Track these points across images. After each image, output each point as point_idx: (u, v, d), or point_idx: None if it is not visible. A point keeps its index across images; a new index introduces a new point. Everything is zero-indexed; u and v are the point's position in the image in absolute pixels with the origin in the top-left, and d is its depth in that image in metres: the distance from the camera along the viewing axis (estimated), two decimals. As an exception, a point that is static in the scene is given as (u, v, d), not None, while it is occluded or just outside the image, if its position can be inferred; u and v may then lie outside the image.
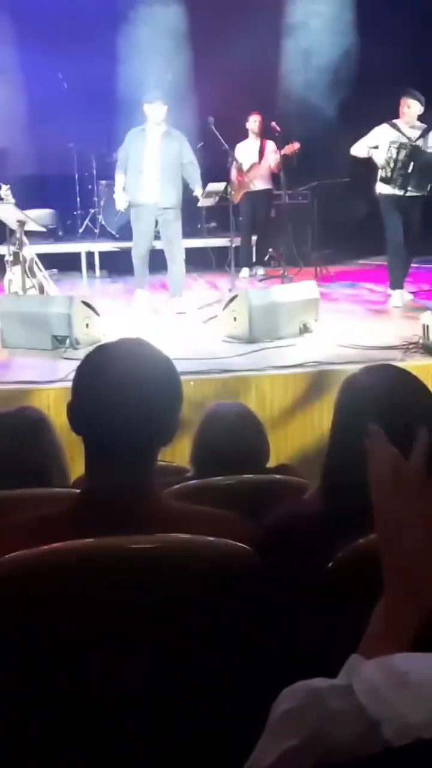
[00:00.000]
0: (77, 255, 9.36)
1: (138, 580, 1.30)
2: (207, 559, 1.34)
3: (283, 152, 8.12)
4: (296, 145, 8.06)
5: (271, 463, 2.61)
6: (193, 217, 9.96)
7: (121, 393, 1.40)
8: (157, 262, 7.33)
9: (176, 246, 7.07)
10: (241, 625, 1.32)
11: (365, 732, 0.72)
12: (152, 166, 6.85)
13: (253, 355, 5.38)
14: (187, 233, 9.57)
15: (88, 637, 1.26)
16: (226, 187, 7.55)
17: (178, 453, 3.51)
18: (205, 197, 7.31)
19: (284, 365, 5.09)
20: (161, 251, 7.19)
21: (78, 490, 1.62)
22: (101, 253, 9.30)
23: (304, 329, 5.87)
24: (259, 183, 8.55)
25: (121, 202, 7.06)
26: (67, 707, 1.26)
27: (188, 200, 7.18)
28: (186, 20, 9.60)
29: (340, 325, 6.13)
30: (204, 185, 7.16)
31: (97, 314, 5.72)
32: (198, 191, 7.10)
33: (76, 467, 2.70)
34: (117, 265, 9.02)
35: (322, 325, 6.00)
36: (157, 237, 7.33)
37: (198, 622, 1.31)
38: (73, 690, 1.25)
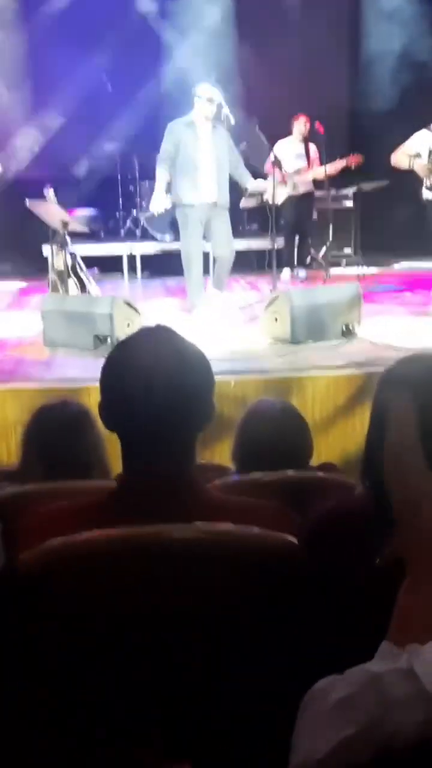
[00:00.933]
0: (119, 256, 9.38)
1: (178, 571, 1.27)
2: (251, 550, 1.30)
3: (343, 164, 8.03)
4: (359, 158, 7.97)
5: (314, 463, 2.57)
6: (233, 219, 9.95)
7: (148, 382, 1.38)
8: (174, 265, 7.10)
9: (229, 247, 6.71)
10: (285, 618, 1.29)
11: (429, 717, 0.68)
12: (207, 163, 6.43)
13: (295, 356, 5.33)
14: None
15: (127, 627, 1.23)
16: (270, 189, 7.41)
17: (218, 453, 3.48)
18: (248, 197, 7.17)
19: (326, 366, 5.03)
20: (177, 256, 6.80)
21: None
22: (143, 255, 9.31)
23: (347, 331, 5.81)
24: (302, 186, 8.49)
25: (160, 203, 6.52)
26: (104, 698, 1.23)
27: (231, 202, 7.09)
28: (232, 18, 9.58)
29: (383, 327, 6.05)
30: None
31: (138, 314, 5.72)
32: (250, 184, 6.76)
33: (117, 465, 2.70)
34: (158, 266, 9.03)
35: (365, 327, 5.94)
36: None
37: (241, 615, 1.28)
38: (110, 681, 1.22)
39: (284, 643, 1.29)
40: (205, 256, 6.85)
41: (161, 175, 6.50)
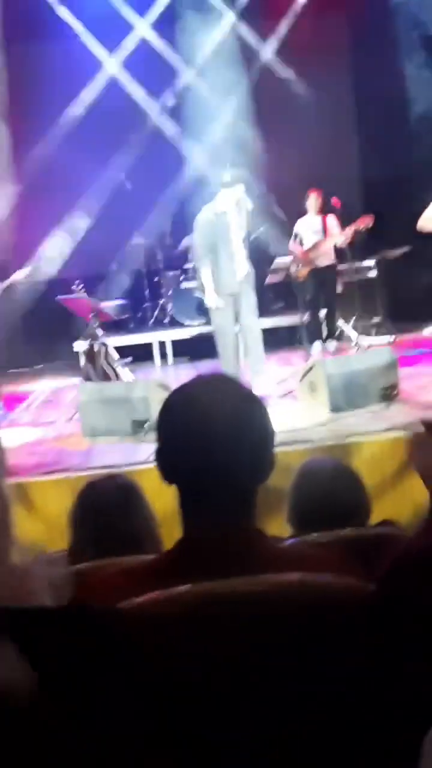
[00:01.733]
0: (149, 345, 9.46)
1: (251, 625, 1.19)
2: (327, 599, 1.22)
3: (355, 227, 8.08)
4: (369, 220, 8.03)
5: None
6: (259, 298, 10.04)
7: (208, 431, 1.33)
8: (205, 349, 7.10)
9: (256, 321, 6.80)
10: (366, 671, 1.19)
11: None
12: (236, 246, 6.54)
13: (336, 425, 5.26)
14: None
15: (200, 686, 1.15)
16: (291, 266, 7.50)
17: (270, 526, 3.39)
18: (272, 273, 7.26)
19: (370, 432, 4.95)
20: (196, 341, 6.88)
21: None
22: (173, 342, 9.39)
23: (386, 395, 5.73)
24: (324, 259, 8.53)
25: (214, 299, 6.58)
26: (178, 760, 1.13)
27: (257, 281, 7.16)
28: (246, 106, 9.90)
29: (421, 389, 5.98)
30: (270, 263, 7.11)
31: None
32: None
33: (168, 539, 2.63)
34: (189, 351, 9.08)
35: (403, 390, 5.86)
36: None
37: (318, 668, 1.19)
38: (183, 743, 1.13)
39: (366, 697, 1.19)
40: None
41: (205, 270, 6.58)
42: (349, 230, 8.13)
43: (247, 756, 1.15)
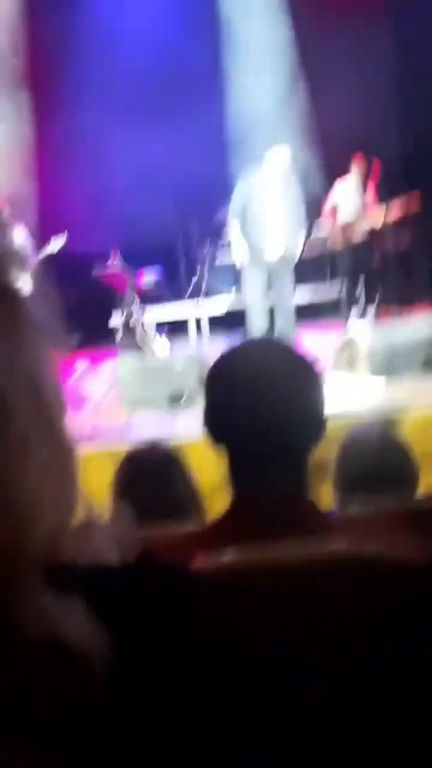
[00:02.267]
0: (185, 318, 9.41)
1: (297, 598, 1.14)
2: (381, 572, 1.17)
3: (405, 209, 7.90)
4: (417, 199, 7.85)
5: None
6: (298, 267, 9.93)
7: (258, 391, 1.30)
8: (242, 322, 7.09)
9: (291, 299, 6.76)
10: (422, 651, 1.14)
11: None
12: (273, 219, 6.47)
13: (376, 396, 5.18)
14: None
15: (255, 659, 1.11)
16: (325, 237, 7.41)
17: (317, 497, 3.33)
18: (309, 246, 7.15)
19: (410, 404, 4.86)
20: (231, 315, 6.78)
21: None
22: (210, 317, 9.32)
23: (428, 366, 5.64)
24: (360, 235, 8.35)
25: (240, 252, 6.55)
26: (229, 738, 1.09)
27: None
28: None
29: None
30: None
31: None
32: (296, 243, 6.77)
33: (212, 508, 2.59)
34: (224, 323, 9.02)
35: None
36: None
37: (373, 644, 1.14)
38: (235, 718, 1.09)
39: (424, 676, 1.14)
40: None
41: (235, 229, 6.56)
42: (392, 212, 7.94)
43: (301, 728, 1.11)
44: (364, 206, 8.32)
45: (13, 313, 0.63)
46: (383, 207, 8.01)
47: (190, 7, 9.48)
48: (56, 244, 7.27)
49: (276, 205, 6.47)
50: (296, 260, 6.68)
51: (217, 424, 1.34)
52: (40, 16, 9.55)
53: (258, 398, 1.29)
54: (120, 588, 0.71)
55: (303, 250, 7.11)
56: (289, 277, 6.64)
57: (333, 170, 8.35)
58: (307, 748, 1.11)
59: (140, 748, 0.66)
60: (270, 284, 6.66)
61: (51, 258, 7.33)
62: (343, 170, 8.34)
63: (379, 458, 2.20)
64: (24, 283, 0.72)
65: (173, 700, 0.70)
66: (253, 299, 6.67)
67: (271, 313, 6.84)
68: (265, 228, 6.45)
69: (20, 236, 6.95)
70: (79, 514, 0.76)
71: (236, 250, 6.60)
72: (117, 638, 0.65)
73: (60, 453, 0.65)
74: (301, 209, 6.66)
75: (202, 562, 1.13)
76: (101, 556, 0.73)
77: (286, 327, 6.77)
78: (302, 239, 6.72)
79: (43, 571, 0.63)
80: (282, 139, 6.63)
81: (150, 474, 2.17)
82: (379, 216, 8.15)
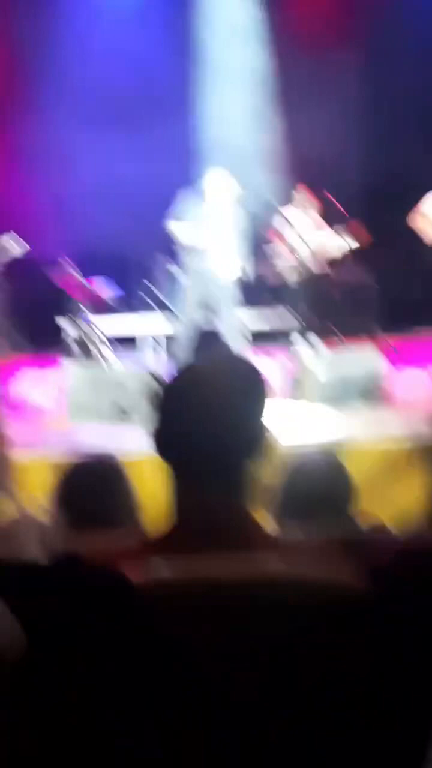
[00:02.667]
0: (139, 330, 9.39)
1: (232, 614, 1.16)
2: (316, 594, 1.19)
3: (344, 236, 7.98)
4: (360, 232, 7.96)
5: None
6: (248, 293, 9.98)
7: (200, 405, 1.33)
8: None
9: (234, 317, 6.87)
10: (361, 671, 1.16)
11: None
12: (219, 237, 6.64)
13: (320, 423, 5.24)
14: (250, 305, 9.63)
15: (185, 670, 1.12)
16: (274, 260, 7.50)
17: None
18: (261, 266, 7.21)
19: (353, 433, 4.93)
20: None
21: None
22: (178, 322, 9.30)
23: (371, 397, 5.72)
24: (313, 261, 8.42)
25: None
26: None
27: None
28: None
29: (406, 394, 5.97)
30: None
31: (161, 383, 5.66)
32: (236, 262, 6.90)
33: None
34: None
35: (389, 394, 5.86)
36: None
37: (310, 664, 1.16)
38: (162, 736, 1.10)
39: (368, 695, 1.16)
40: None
41: (176, 226, 6.70)
42: (337, 237, 8.03)
43: (236, 749, 1.12)
44: (317, 236, 8.42)
45: None
46: (336, 237, 8.11)
47: (164, 24, 9.53)
48: (7, 245, 7.20)
49: (214, 228, 6.62)
50: (235, 281, 6.80)
51: (161, 436, 1.37)
52: (13, 19, 9.51)
53: (200, 411, 1.32)
54: (44, 585, 0.71)
55: (251, 273, 7.16)
56: (230, 298, 6.74)
57: (288, 196, 8.44)
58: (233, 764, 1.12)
59: (49, 745, 0.66)
60: (212, 306, 6.78)
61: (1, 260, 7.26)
62: (295, 197, 8.45)
63: (319, 485, 2.23)
64: None
65: (90, 703, 0.70)
66: (187, 318, 6.85)
67: (217, 335, 6.95)
68: (203, 249, 6.61)
69: None
70: (8, 511, 0.76)
71: (178, 268, 6.86)
72: (37, 635, 0.65)
73: None
74: (242, 232, 6.78)
75: (137, 573, 1.14)
76: (26, 552, 0.73)
77: (234, 348, 6.83)
78: (241, 262, 6.83)
79: None
80: (244, 160, 6.68)
81: (92, 484, 2.17)
82: (331, 246, 8.25)
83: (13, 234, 7.27)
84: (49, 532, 0.78)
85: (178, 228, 6.73)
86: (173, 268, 9.03)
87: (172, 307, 9.44)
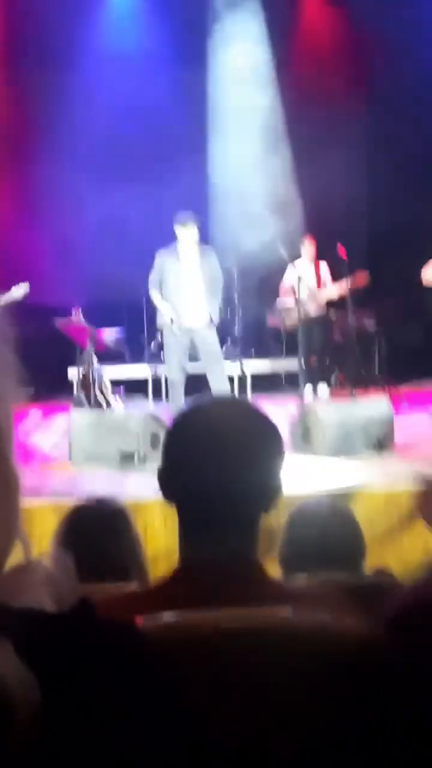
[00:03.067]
0: (144, 378, 9.40)
1: (242, 661, 1.12)
2: (327, 640, 1.15)
3: (349, 285, 7.99)
4: (364, 278, 8.01)
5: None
6: (254, 340, 10.01)
7: (213, 452, 1.28)
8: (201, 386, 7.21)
9: (219, 364, 6.97)
10: (368, 717, 1.12)
11: None
12: (188, 288, 6.80)
13: (326, 473, 5.19)
14: (255, 354, 9.64)
15: (198, 716, 1.07)
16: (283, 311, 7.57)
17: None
18: (271, 315, 7.26)
19: (360, 481, 4.88)
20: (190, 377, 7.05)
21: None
22: (167, 378, 9.31)
23: (380, 446, 5.67)
24: (316, 308, 8.46)
25: (168, 313, 6.82)
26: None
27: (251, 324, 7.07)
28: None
29: (414, 443, 5.92)
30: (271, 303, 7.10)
31: (165, 429, 5.63)
32: (213, 315, 6.91)
33: (155, 569, 2.54)
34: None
35: (397, 443, 5.81)
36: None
37: (317, 714, 1.12)
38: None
39: (368, 748, 1.12)
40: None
41: (156, 296, 6.94)
42: (343, 286, 8.06)
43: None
44: (323, 285, 8.47)
45: None
46: (341, 287, 8.15)
47: (173, 71, 9.67)
48: (17, 291, 7.23)
49: (187, 276, 6.78)
50: (213, 327, 6.87)
51: (171, 482, 1.33)
52: (24, 67, 9.69)
53: (213, 459, 1.27)
54: (56, 635, 0.69)
55: (234, 320, 7.15)
56: (210, 344, 6.85)
57: (294, 244, 8.51)
58: None
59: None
60: (195, 351, 6.94)
61: (10, 306, 7.29)
62: (303, 248, 8.53)
63: (327, 534, 2.19)
64: None
65: (102, 748, 0.67)
66: (168, 368, 7.02)
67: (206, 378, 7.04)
68: (179, 297, 6.75)
69: None
70: (18, 557, 0.74)
71: (159, 317, 6.94)
72: (49, 685, 0.62)
73: (3, 483, 0.64)
74: (217, 279, 6.90)
75: (143, 622, 1.10)
76: (36, 600, 0.71)
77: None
78: (216, 308, 6.91)
79: None
80: (193, 217, 6.81)
81: (95, 529, 2.13)
82: (338, 296, 8.29)
83: (25, 283, 7.32)
84: (57, 578, 0.75)
85: (155, 279, 6.94)
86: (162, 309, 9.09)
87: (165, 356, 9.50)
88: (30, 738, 0.59)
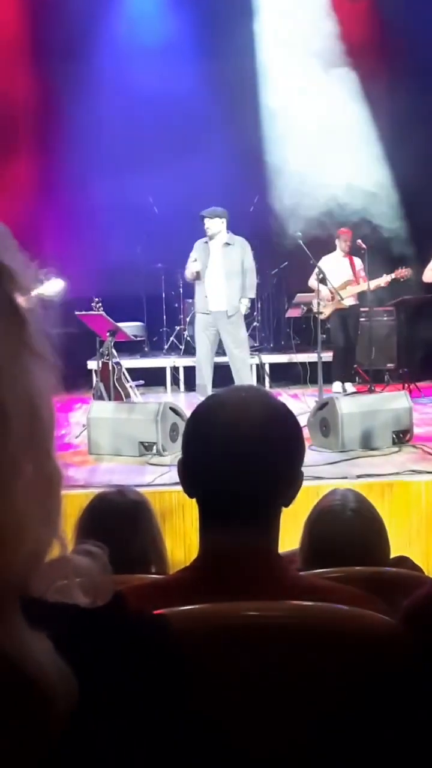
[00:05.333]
0: (162, 370, 9.42)
1: (261, 653, 1.12)
2: (347, 631, 1.15)
3: (394, 276, 8.05)
4: (407, 272, 8.02)
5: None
6: (277, 333, 9.99)
7: (235, 444, 1.27)
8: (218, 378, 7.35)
9: (239, 349, 7.25)
10: (386, 712, 1.12)
11: None
12: (216, 276, 7.17)
13: (345, 464, 5.18)
14: (273, 349, 9.63)
15: (208, 711, 1.08)
16: (318, 304, 7.61)
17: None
18: (292, 308, 7.32)
19: (380, 474, 4.87)
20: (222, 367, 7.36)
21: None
22: (186, 368, 9.34)
23: (398, 440, 5.65)
24: (350, 299, 8.47)
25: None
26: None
27: (276, 316, 7.13)
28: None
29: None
30: (291, 298, 7.18)
31: (185, 420, 5.63)
32: (244, 300, 7.29)
33: (175, 559, 2.55)
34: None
35: (416, 437, 5.79)
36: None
37: (334, 704, 1.12)
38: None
39: (385, 739, 1.12)
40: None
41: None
42: (388, 277, 8.09)
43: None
44: (352, 278, 8.44)
45: (22, 333, 0.64)
46: (370, 281, 8.13)
47: (190, 63, 9.62)
48: (51, 286, 7.22)
49: (216, 265, 7.18)
50: (239, 314, 7.23)
51: (191, 475, 1.32)
52: (47, 58, 9.69)
53: (232, 452, 1.26)
54: (92, 630, 0.69)
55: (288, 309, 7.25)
56: (233, 330, 7.21)
57: (322, 239, 8.49)
58: None
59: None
60: (223, 338, 7.31)
61: (46, 303, 7.28)
62: (333, 240, 8.50)
63: (348, 528, 2.18)
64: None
65: (136, 746, 0.67)
66: (199, 351, 7.40)
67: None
68: (209, 285, 7.17)
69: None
70: (54, 549, 0.74)
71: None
72: (84, 680, 0.62)
73: (47, 478, 0.64)
74: (248, 270, 7.28)
75: (169, 614, 1.10)
76: (72, 594, 0.71)
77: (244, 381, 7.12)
78: (243, 298, 7.27)
79: (18, 600, 0.61)
80: (219, 211, 7.18)
81: (115, 519, 2.13)
82: (365, 285, 8.26)
83: (59, 280, 7.38)
84: (92, 572, 0.76)
85: (189, 273, 7.35)
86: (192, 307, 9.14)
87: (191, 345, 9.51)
88: (68, 732, 0.60)
